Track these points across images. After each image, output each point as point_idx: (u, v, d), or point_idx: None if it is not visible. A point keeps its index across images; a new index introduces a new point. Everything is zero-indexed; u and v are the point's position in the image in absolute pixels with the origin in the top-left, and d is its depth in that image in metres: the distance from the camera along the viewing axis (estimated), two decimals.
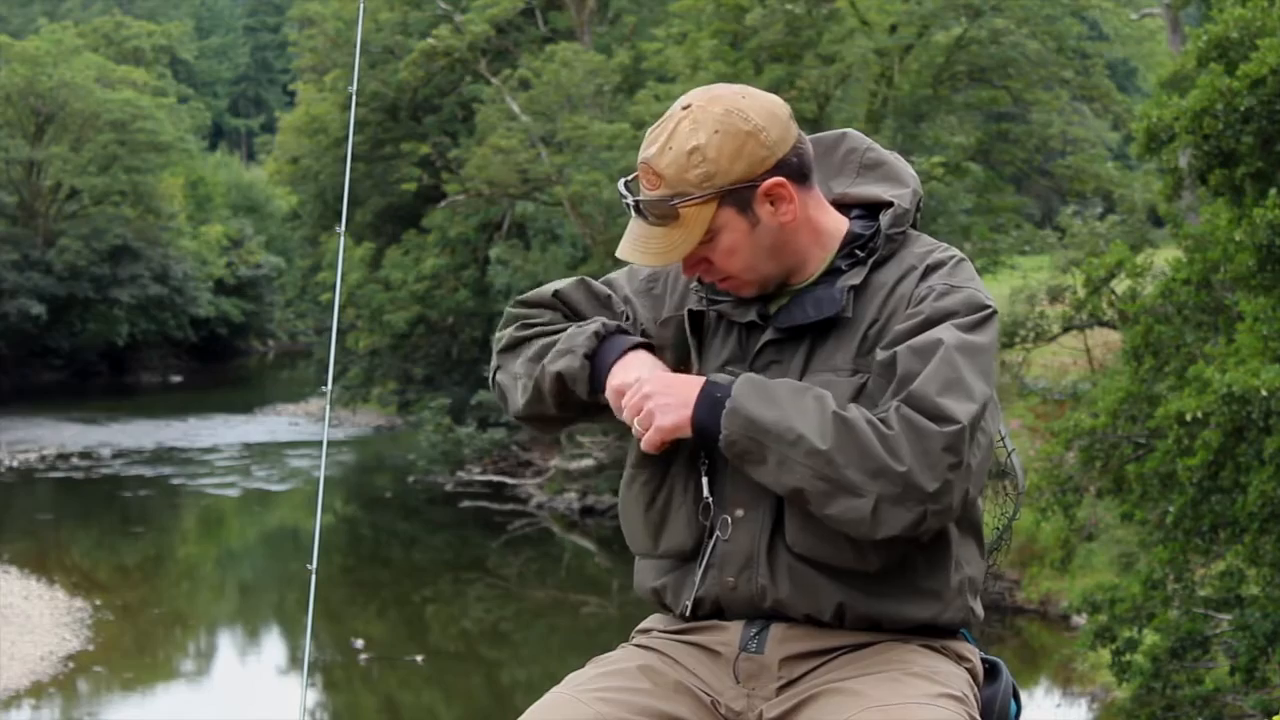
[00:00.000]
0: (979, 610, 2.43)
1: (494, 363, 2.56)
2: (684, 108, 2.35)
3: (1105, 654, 12.24)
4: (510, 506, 26.50)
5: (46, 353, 44.40)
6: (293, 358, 52.21)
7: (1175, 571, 11.30)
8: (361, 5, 4.03)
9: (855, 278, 2.38)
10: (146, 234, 44.86)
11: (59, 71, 43.15)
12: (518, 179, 27.74)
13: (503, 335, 2.55)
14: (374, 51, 31.95)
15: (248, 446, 33.17)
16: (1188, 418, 10.36)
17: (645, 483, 2.45)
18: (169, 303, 46.06)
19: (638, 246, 2.36)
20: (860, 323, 2.36)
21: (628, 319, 2.51)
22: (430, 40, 30.73)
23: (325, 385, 3.48)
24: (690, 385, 2.33)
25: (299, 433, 34.90)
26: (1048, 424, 16.26)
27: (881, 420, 2.22)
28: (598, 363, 2.41)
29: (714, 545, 2.37)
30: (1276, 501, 10.12)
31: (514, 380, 2.50)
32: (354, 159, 27.59)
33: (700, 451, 2.38)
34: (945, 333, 2.27)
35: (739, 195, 2.32)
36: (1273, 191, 10.48)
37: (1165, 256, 15.00)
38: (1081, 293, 17.72)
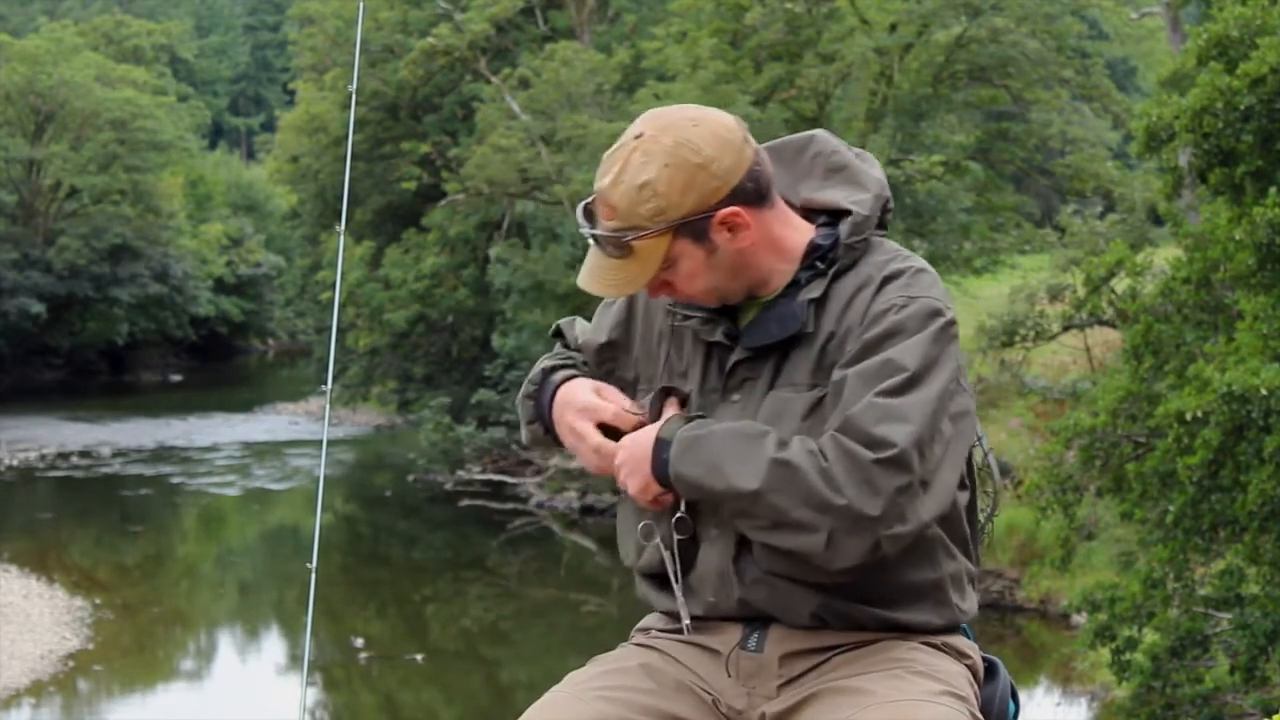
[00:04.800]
0: (972, 606, 2.42)
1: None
2: (635, 137, 2.32)
3: (1105, 653, 12.23)
4: (510, 505, 26.48)
5: (46, 352, 44.43)
6: (292, 357, 52.19)
7: (1175, 570, 11.29)
8: (361, 4, 4.03)
9: (815, 291, 2.36)
10: (146, 233, 44.86)
11: (59, 70, 43.15)
12: (517, 178, 27.75)
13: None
14: (374, 50, 31.94)
15: (247, 445, 33.16)
16: (1188, 417, 10.35)
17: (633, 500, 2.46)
18: (169, 301, 46.08)
19: (597, 277, 2.37)
20: (819, 336, 2.35)
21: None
22: (430, 39, 30.73)
23: (325, 384, 3.49)
24: (644, 446, 2.35)
25: (299, 432, 34.88)
26: (1048, 423, 16.28)
27: (821, 452, 2.22)
28: (540, 400, 2.53)
29: (685, 567, 2.40)
30: (1276, 500, 10.11)
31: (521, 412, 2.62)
32: (354, 158, 27.57)
33: None
34: (896, 352, 2.26)
35: (693, 226, 2.31)
36: (1273, 190, 10.48)
37: (1165, 255, 14.98)
38: (1081, 292, 17.70)
